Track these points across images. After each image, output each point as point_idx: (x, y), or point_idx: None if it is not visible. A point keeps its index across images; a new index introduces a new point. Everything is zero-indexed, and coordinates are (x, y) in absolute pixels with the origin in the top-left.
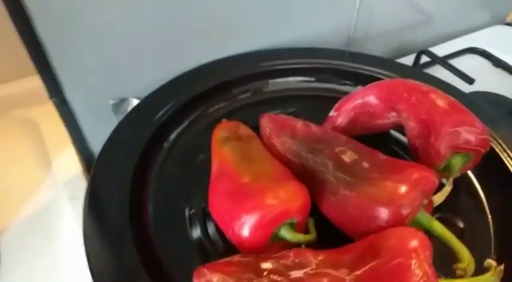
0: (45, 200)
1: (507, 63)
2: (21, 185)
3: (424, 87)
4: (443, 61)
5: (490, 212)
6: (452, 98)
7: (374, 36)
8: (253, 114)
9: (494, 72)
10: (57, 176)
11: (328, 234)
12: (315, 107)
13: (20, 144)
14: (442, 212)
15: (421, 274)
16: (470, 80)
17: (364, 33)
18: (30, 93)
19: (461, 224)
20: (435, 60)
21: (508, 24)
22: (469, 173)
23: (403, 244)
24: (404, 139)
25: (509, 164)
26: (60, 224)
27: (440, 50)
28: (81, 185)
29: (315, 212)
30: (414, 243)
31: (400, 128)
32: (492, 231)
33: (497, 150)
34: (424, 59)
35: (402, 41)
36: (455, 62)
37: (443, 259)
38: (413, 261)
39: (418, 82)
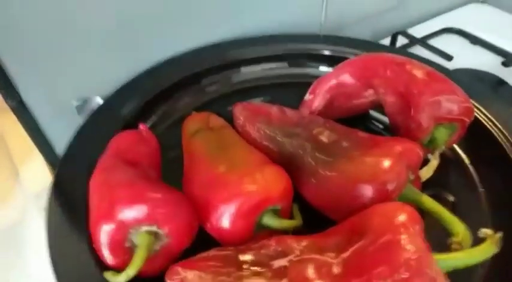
0: (14, 212)
1: (484, 40)
2: None
3: (399, 59)
4: (419, 40)
5: (482, 186)
6: (429, 68)
7: (346, 24)
8: (226, 105)
9: (472, 49)
10: (25, 187)
11: (314, 219)
12: (290, 94)
13: None
14: (430, 189)
15: (413, 249)
16: (448, 57)
17: (335, 21)
18: None
19: (452, 199)
20: (412, 40)
21: (484, 2)
22: (457, 148)
23: (389, 220)
24: (385, 119)
25: (500, 138)
26: (30, 236)
27: (415, 32)
28: None
29: (299, 197)
30: (402, 217)
31: (380, 108)
32: (486, 206)
33: (487, 125)
34: (401, 41)
35: (376, 26)
36: (432, 43)
37: (437, 236)
38: (403, 236)
39: (392, 54)
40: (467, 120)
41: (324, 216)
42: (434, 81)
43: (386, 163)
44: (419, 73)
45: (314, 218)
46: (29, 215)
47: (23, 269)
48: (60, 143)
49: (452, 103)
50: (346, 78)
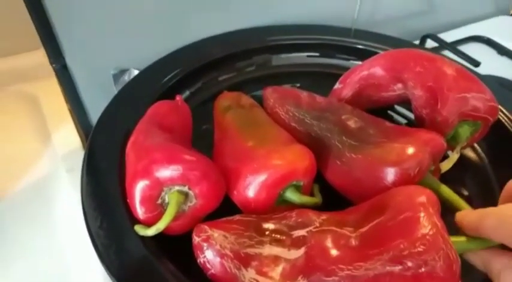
0: (44, 172)
1: None
2: (21, 157)
3: (431, 55)
4: (449, 44)
5: (498, 185)
6: (459, 66)
7: (377, 22)
8: (257, 88)
9: (499, 59)
10: (56, 149)
11: (333, 202)
12: (319, 82)
13: (20, 118)
14: (447, 183)
15: (430, 226)
16: (475, 63)
17: (367, 18)
18: (31, 68)
19: (466, 194)
20: (440, 43)
21: None
22: (478, 148)
23: (410, 200)
24: (409, 114)
25: None
26: (58, 195)
27: (444, 38)
28: (79, 158)
29: (320, 180)
30: (422, 198)
31: (407, 103)
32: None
33: (509, 127)
34: (429, 44)
35: (405, 28)
36: (460, 49)
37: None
38: (422, 214)
39: (424, 51)
40: (491, 119)
41: (343, 199)
42: (463, 79)
43: (411, 149)
44: (449, 70)
45: (334, 200)
46: (56, 174)
47: (50, 224)
48: (94, 109)
49: (479, 101)
50: (377, 70)
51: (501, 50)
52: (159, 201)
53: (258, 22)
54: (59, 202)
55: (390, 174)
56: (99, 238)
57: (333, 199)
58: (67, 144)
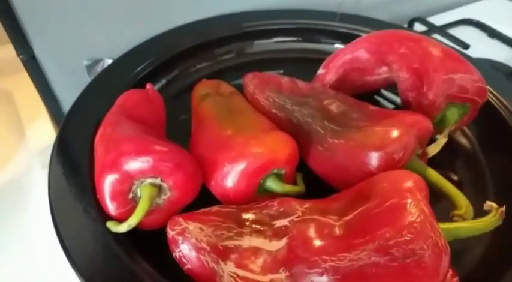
0: (19, 168)
1: (503, 34)
2: None
3: (416, 35)
4: (438, 28)
5: (489, 169)
6: (445, 46)
7: (364, 6)
8: (237, 76)
9: (489, 42)
10: (30, 145)
11: (317, 189)
12: (302, 69)
13: None
14: (436, 167)
15: (417, 213)
16: (465, 45)
17: (353, 3)
18: (4, 62)
19: (456, 178)
20: (429, 27)
21: None
22: (468, 131)
23: (396, 185)
24: (396, 99)
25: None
26: (32, 191)
27: (433, 21)
28: None
29: (303, 168)
30: (409, 183)
31: (393, 87)
32: (490, 188)
33: (500, 110)
34: (418, 28)
35: (393, 12)
36: (449, 33)
37: (440, 212)
38: (409, 201)
39: (409, 31)
40: (480, 101)
41: (327, 187)
42: (450, 59)
43: (395, 132)
44: (435, 50)
45: (317, 188)
46: (33, 171)
47: (23, 220)
48: (68, 102)
49: (466, 82)
50: (361, 53)
51: (492, 33)
52: (131, 195)
53: (235, 8)
54: (35, 198)
55: (374, 158)
56: (68, 236)
57: (317, 188)
58: (42, 139)
